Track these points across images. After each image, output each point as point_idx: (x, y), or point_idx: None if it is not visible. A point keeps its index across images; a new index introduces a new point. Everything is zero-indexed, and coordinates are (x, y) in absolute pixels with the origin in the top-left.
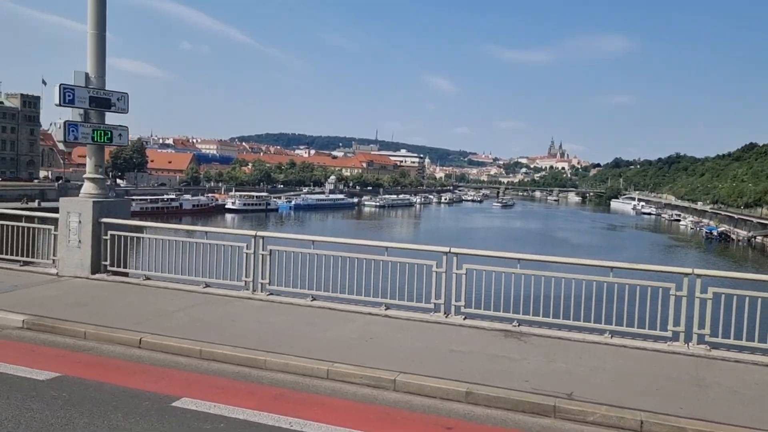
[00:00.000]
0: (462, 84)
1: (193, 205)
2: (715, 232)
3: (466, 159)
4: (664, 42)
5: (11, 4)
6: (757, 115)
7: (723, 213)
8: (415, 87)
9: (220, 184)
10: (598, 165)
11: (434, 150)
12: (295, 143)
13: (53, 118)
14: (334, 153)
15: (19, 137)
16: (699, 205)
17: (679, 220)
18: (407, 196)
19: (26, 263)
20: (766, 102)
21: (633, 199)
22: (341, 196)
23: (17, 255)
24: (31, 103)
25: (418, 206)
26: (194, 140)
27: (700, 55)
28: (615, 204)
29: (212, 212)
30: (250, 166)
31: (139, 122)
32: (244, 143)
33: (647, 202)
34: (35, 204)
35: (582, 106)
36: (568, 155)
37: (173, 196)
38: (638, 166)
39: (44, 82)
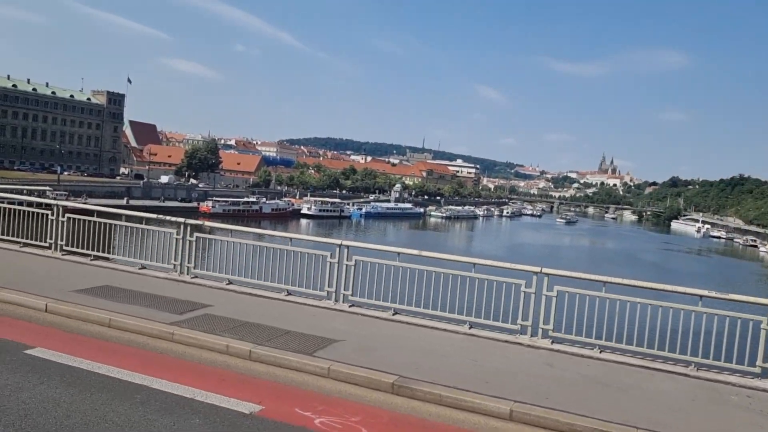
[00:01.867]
0: (511, 95)
1: (272, 209)
2: None
3: (512, 171)
4: (722, 59)
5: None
6: None
7: None
8: (463, 96)
9: (291, 188)
10: (654, 183)
11: (480, 160)
12: (343, 148)
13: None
14: (391, 160)
15: (103, 134)
16: None
17: (756, 246)
18: (471, 208)
19: None
20: None
21: (696, 220)
22: (409, 205)
23: None
24: (116, 101)
25: (481, 219)
26: (255, 142)
27: (759, 74)
28: (676, 225)
29: (289, 217)
30: (311, 171)
31: (196, 122)
32: (302, 147)
33: (712, 224)
34: (123, 202)
35: (634, 121)
36: (619, 171)
37: (254, 200)
38: (697, 186)
39: (129, 81)
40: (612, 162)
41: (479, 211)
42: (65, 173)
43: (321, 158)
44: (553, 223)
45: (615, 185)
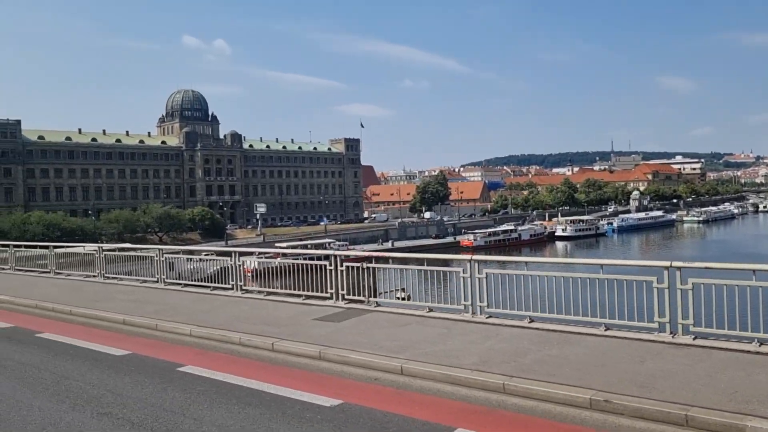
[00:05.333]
0: (699, 80)
1: (531, 235)
2: None
3: (721, 161)
4: None
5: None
6: None
7: None
8: (642, 90)
9: (525, 211)
10: None
11: (677, 155)
12: (526, 163)
13: None
14: (598, 167)
15: (345, 180)
16: None
17: None
18: (727, 206)
19: None
20: None
21: None
22: (660, 212)
23: None
24: (352, 146)
25: (739, 218)
26: (456, 169)
27: None
28: None
29: (546, 241)
30: (540, 189)
31: (386, 158)
32: (504, 167)
33: None
34: (389, 245)
35: None
36: None
37: (512, 227)
38: None
39: (362, 125)
40: None
41: (734, 209)
42: (321, 223)
43: (530, 176)
44: None
45: None
